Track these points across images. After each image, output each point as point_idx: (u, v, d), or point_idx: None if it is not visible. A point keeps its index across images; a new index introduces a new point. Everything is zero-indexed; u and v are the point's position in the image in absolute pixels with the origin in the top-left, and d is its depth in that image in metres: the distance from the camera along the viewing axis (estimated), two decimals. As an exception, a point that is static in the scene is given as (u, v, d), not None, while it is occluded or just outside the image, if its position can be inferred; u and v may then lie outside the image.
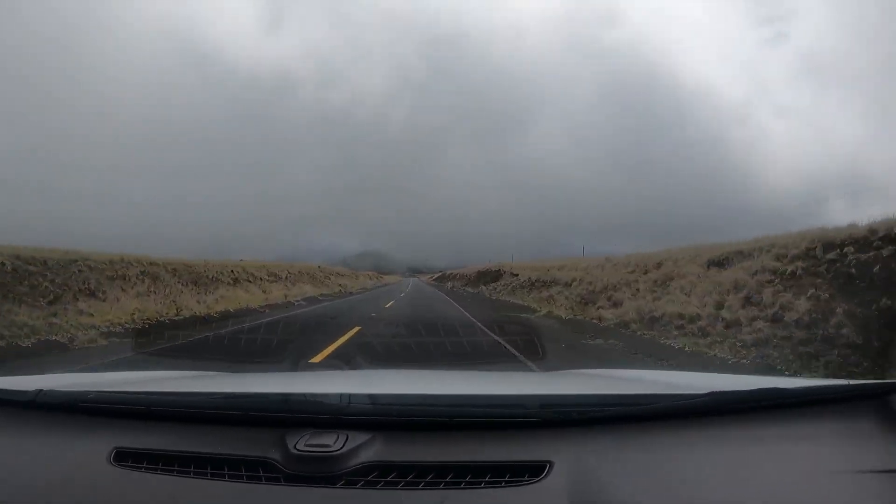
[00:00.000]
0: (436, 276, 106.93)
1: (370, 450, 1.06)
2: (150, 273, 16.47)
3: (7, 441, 1.23)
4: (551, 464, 1.04)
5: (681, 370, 2.08)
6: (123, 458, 1.11)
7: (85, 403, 1.27)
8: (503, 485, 1.00)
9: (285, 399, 1.18)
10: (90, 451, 1.15)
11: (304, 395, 1.18)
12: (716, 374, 1.92)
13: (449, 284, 53.85)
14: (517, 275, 30.04)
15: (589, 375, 2.24)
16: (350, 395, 1.14)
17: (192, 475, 1.04)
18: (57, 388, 1.33)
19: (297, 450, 1.04)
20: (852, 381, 1.32)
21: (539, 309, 16.49)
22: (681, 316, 9.83)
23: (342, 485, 1.00)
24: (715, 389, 1.29)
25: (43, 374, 2.14)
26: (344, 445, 1.04)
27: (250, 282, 23.47)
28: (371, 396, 1.16)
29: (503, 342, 6.24)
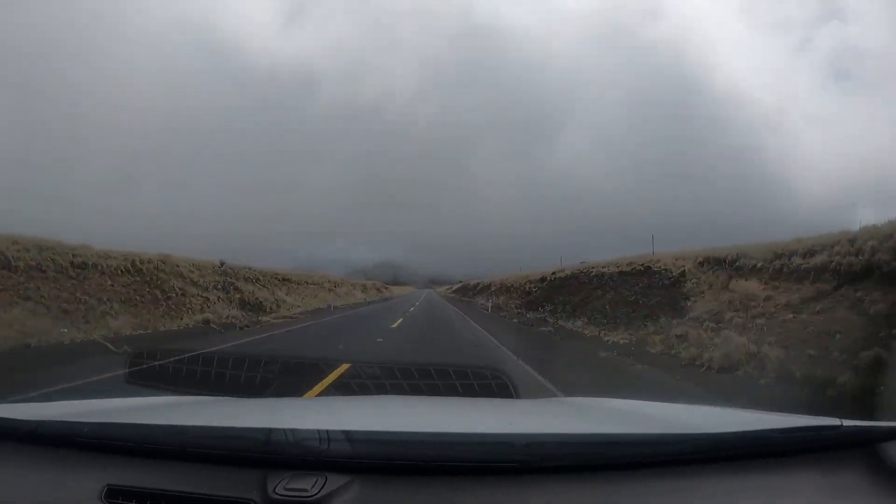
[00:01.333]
0: (455, 287, 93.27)
1: (347, 494, 1.08)
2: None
3: (4, 474, 1.29)
4: None
5: (681, 403, 2.04)
6: (114, 495, 1.16)
7: (80, 438, 1.32)
8: None
9: (267, 438, 1.21)
10: (83, 487, 1.20)
11: (285, 431, 1.20)
12: (711, 409, 1.88)
13: (483, 302, 35.09)
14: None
15: (580, 407, 2.19)
16: (329, 433, 1.16)
17: None
18: (54, 419, 1.40)
19: (276, 493, 1.07)
20: (843, 423, 1.28)
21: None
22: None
23: None
24: (707, 430, 1.31)
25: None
26: (321, 490, 1.07)
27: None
28: (349, 435, 1.18)
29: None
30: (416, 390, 1.83)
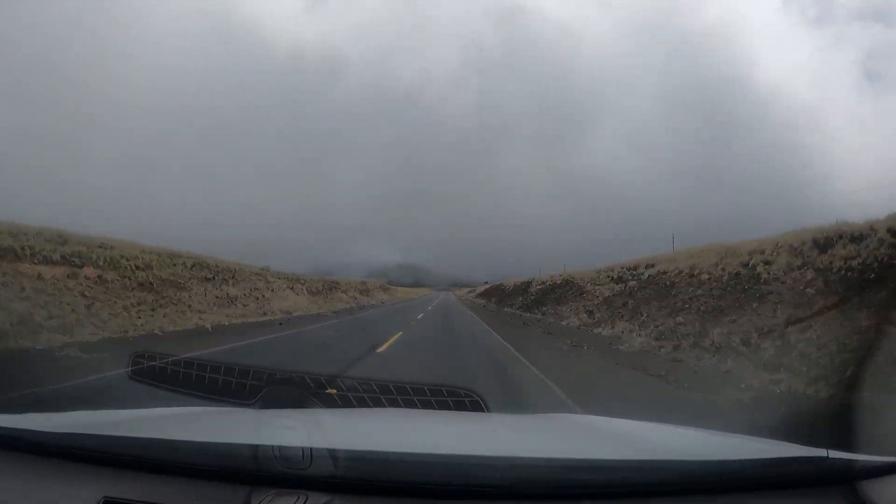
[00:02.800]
0: (480, 288, 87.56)
1: None
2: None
3: (8, 483, 1.41)
4: None
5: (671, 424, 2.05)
6: None
7: (80, 450, 1.45)
8: None
9: (254, 454, 1.32)
10: (81, 498, 1.32)
11: (272, 447, 1.30)
12: (697, 433, 1.88)
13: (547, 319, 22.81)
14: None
15: (563, 426, 2.24)
16: (313, 451, 1.26)
17: None
18: (55, 431, 1.52)
19: None
20: (829, 455, 1.30)
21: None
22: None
23: None
24: (690, 457, 1.36)
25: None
26: None
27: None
28: (332, 453, 1.26)
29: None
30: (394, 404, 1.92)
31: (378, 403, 1.92)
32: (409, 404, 1.91)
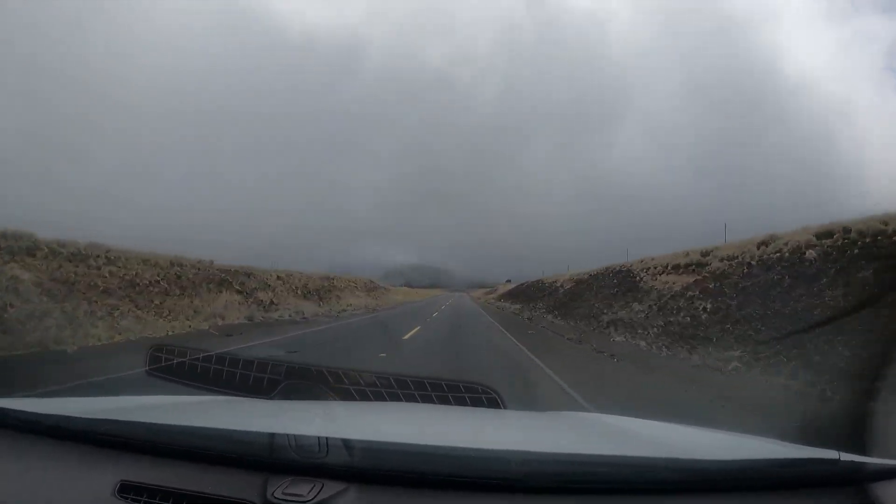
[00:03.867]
0: (502, 289, 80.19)
1: (340, 501, 1.23)
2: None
3: (22, 466, 1.49)
4: None
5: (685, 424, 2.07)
6: (127, 490, 1.34)
7: (98, 435, 1.52)
8: None
9: (271, 443, 1.36)
10: (99, 481, 1.38)
11: (287, 436, 1.34)
12: (705, 433, 1.90)
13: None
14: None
15: (575, 423, 2.26)
16: (328, 441, 1.31)
17: None
18: (74, 415, 1.59)
19: (275, 497, 1.24)
20: (840, 457, 1.32)
21: None
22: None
23: None
24: (702, 457, 1.37)
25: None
26: (317, 496, 1.23)
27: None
28: (348, 443, 1.31)
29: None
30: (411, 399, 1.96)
31: (395, 398, 1.96)
32: (427, 399, 1.96)
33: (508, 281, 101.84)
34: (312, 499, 1.23)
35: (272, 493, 1.24)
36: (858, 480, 1.31)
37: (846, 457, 1.32)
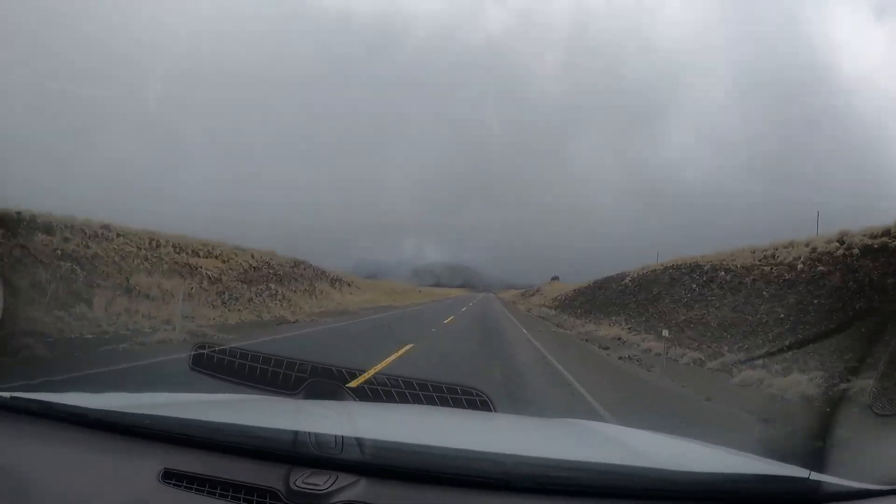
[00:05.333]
0: (545, 290, 70.43)
1: (352, 491, 1.50)
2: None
3: (73, 455, 1.73)
4: None
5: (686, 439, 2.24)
6: (169, 476, 1.60)
7: (141, 428, 1.78)
8: None
9: (294, 439, 1.64)
10: (144, 468, 1.63)
11: (308, 434, 1.61)
12: (705, 447, 2.06)
13: None
14: None
15: (573, 430, 2.54)
16: (344, 439, 1.58)
17: (218, 496, 1.55)
18: (117, 409, 1.87)
19: (296, 486, 1.52)
20: (811, 475, 1.46)
21: None
22: None
23: None
24: (683, 469, 1.59)
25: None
26: (332, 486, 1.50)
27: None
28: (360, 441, 1.58)
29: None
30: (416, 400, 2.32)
31: (402, 397, 2.34)
32: (429, 400, 2.33)
33: (556, 279, 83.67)
34: (328, 488, 1.49)
35: (294, 482, 1.52)
36: (824, 499, 1.44)
37: (816, 476, 1.48)
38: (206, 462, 1.66)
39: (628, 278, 32.21)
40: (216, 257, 27.08)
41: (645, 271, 30.23)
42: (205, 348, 2.62)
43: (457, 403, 2.30)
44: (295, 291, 30.18)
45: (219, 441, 1.72)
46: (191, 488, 1.58)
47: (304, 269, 36.61)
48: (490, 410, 2.31)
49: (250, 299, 24.06)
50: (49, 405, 1.90)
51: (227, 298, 22.52)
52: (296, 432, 1.67)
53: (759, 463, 1.83)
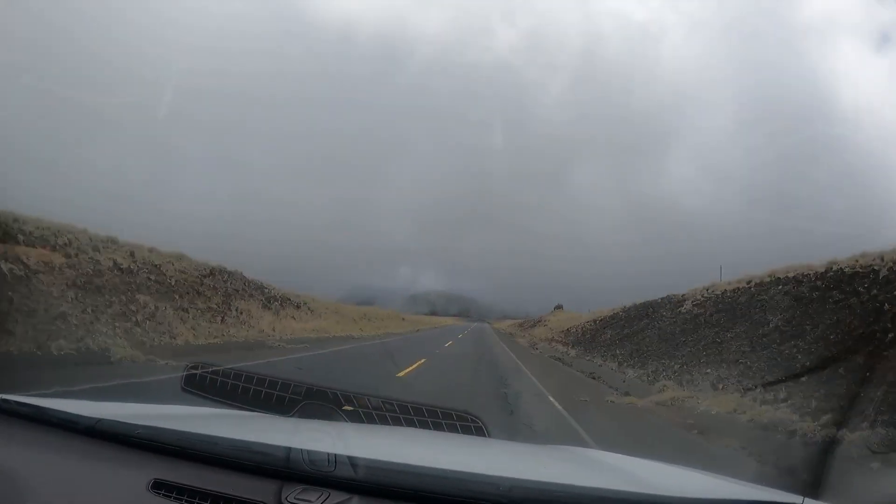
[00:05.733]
0: (551, 322, 56.36)
1: None
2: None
3: (63, 461, 1.74)
4: None
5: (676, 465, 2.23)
6: (159, 487, 1.61)
7: (133, 437, 1.79)
8: None
9: (287, 456, 1.65)
10: (134, 477, 1.65)
11: (301, 451, 1.63)
12: (698, 474, 2.10)
13: None
14: None
15: (565, 457, 2.56)
16: (337, 457, 1.60)
17: None
18: (110, 418, 1.87)
19: (288, 501, 1.54)
20: (804, 501, 1.50)
21: None
22: None
23: None
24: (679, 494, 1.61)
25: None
26: (324, 503, 1.53)
27: None
28: (353, 461, 1.60)
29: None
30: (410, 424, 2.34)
31: (396, 421, 2.36)
32: (423, 424, 2.37)
33: (560, 307, 72.98)
34: None
35: (286, 498, 1.54)
36: None
37: (810, 502, 1.52)
38: (197, 474, 1.67)
39: (689, 302, 22.71)
40: (55, 248, 16.78)
41: (712, 293, 21.62)
42: (198, 367, 2.62)
43: (451, 429, 2.33)
44: (185, 311, 19.24)
45: (210, 454, 1.72)
46: (181, 499, 1.59)
47: (223, 281, 25.54)
48: (484, 436, 2.34)
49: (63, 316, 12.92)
50: (41, 410, 1.91)
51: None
52: (289, 448, 1.67)
53: (754, 490, 1.87)
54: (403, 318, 58.94)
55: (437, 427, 2.33)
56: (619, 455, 2.40)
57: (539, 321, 66.53)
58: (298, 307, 32.18)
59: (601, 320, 34.73)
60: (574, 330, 38.93)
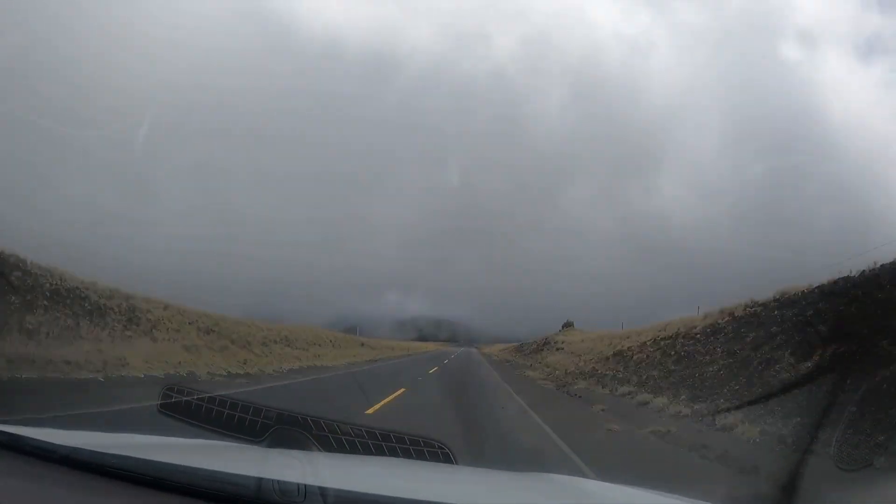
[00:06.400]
0: (598, 350, 28.62)
1: None
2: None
3: (38, 490, 1.75)
4: None
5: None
6: None
7: (106, 467, 1.83)
8: None
9: (258, 486, 1.71)
10: None
11: (272, 481, 1.69)
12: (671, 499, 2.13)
13: None
14: None
15: (552, 486, 2.58)
16: (307, 488, 1.66)
17: None
18: (84, 448, 1.92)
19: None
20: None
21: None
22: None
23: None
24: None
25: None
26: None
27: None
28: (324, 491, 1.66)
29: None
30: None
31: (366, 447, 2.43)
32: (392, 451, 2.43)
33: (569, 325, 54.07)
34: None
35: None
36: None
37: None
38: None
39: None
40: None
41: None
42: (173, 389, 2.72)
43: (419, 455, 2.41)
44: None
45: (183, 484, 1.78)
46: None
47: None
48: (452, 463, 2.42)
49: None
50: (17, 438, 1.96)
51: None
52: (260, 479, 1.74)
53: None
54: (362, 344, 45.25)
55: (406, 453, 2.41)
56: (599, 482, 2.46)
57: (546, 343, 49.31)
58: (165, 326, 20.60)
59: (666, 339, 21.82)
60: (630, 352, 23.69)
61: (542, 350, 46.28)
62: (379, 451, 2.43)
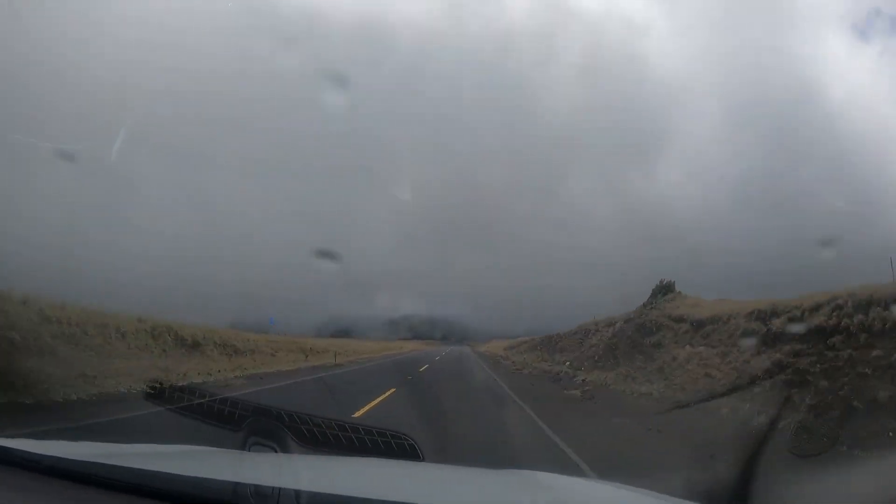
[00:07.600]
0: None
1: None
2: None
3: (24, 500, 1.83)
4: None
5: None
6: None
7: (93, 476, 1.92)
8: None
9: (234, 490, 1.83)
10: None
11: (248, 486, 1.81)
12: (645, 496, 2.22)
13: None
14: None
15: (524, 482, 2.71)
16: (281, 491, 1.76)
17: None
18: (70, 458, 2.02)
19: None
20: None
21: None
22: None
23: None
24: None
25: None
26: None
27: None
28: (298, 494, 1.76)
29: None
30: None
31: (336, 438, 2.63)
32: (361, 442, 2.63)
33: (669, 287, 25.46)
34: None
35: None
36: None
37: None
38: None
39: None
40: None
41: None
42: (158, 384, 2.96)
43: (386, 446, 2.61)
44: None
45: (163, 490, 1.88)
46: None
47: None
48: (418, 454, 2.59)
49: None
50: (4, 450, 2.05)
51: None
52: (235, 483, 1.85)
53: None
54: (310, 348, 32.32)
55: (374, 445, 2.59)
56: (571, 478, 2.61)
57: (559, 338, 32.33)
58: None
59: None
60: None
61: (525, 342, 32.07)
62: (349, 442, 2.61)
